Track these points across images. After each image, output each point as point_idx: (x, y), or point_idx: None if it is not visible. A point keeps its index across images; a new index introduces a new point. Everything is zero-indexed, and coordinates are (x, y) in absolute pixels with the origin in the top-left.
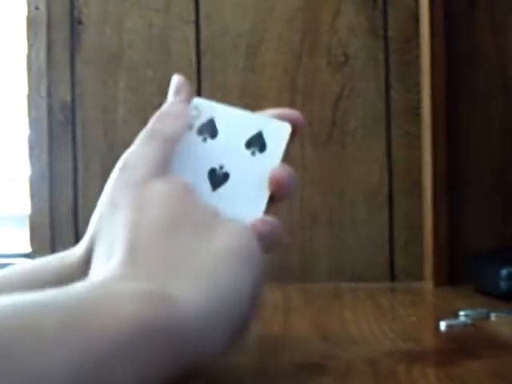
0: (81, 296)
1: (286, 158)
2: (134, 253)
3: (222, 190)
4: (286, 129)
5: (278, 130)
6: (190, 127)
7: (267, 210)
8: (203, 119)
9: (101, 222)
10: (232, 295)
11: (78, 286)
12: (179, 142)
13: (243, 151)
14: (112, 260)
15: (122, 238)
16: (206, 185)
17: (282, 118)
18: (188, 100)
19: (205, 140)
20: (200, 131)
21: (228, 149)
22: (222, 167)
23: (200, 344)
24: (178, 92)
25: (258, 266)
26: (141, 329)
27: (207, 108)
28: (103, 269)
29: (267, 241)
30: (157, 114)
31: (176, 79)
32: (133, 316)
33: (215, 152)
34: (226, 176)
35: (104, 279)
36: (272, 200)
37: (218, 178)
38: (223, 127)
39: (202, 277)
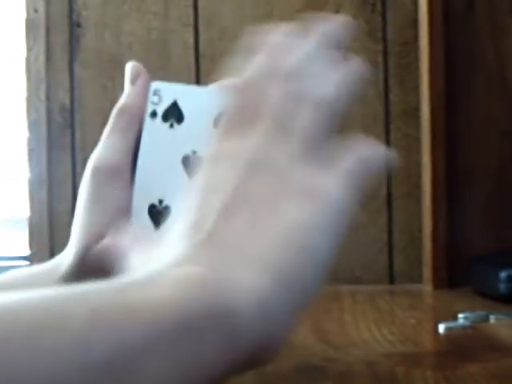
0: (114, 286)
1: None
2: (205, 237)
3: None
4: None
5: None
6: (154, 114)
7: None
8: (166, 104)
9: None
10: (301, 279)
11: (122, 277)
12: (144, 131)
13: (213, 131)
14: (179, 244)
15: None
16: (182, 173)
17: None
18: (146, 87)
19: (172, 126)
20: (165, 117)
21: (198, 132)
22: (195, 152)
23: (261, 333)
24: (133, 80)
25: (338, 228)
26: (180, 317)
27: (168, 91)
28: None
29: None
30: (114, 111)
31: (131, 66)
32: (172, 302)
33: (185, 138)
34: (201, 160)
35: (159, 265)
36: None
37: (193, 165)
38: (188, 109)
39: (262, 260)
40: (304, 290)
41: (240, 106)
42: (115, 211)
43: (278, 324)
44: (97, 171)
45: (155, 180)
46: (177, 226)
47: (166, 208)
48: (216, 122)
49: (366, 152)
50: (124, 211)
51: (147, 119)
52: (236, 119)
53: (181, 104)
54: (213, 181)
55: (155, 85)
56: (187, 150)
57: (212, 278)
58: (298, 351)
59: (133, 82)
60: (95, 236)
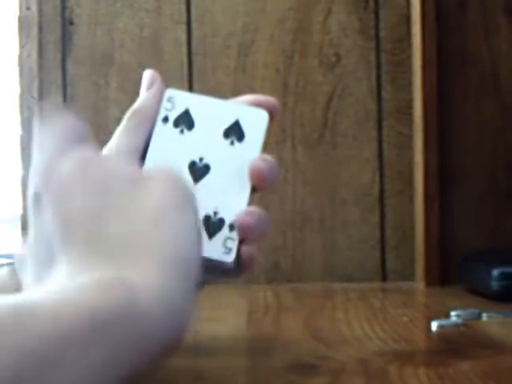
0: (37, 294)
1: (266, 146)
2: (73, 247)
3: (203, 182)
4: (263, 116)
5: (255, 118)
6: (166, 120)
7: (251, 201)
8: (178, 111)
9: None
10: (182, 258)
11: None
12: (154, 134)
13: (222, 141)
14: (59, 263)
15: (58, 236)
16: (187, 178)
17: (257, 104)
18: (161, 93)
19: (182, 132)
20: (176, 123)
21: (206, 140)
22: (201, 159)
23: (163, 325)
24: (149, 86)
25: (195, 208)
26: (98, 315)
27: (181, 99)
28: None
29: (255, 232)
30: (128, 112)
31: (148, 73)
32: (90, 303)
33: (194, 144)
34: (206, 168)
35: (58, 280)
36: (254, 190)
37: (198, 171)
38: (199, 118)
39: (146, 251)
40: (190, 274)
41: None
42: None
43: (180, 311)
44: None
45: None
46: (44, 251)
47: None
48: (226, 133)
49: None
50: None
51: (159, 123)
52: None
53: (192, 112)
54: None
55: (170, 92)
56: (194, 156)
57: (117, 279)
58: (289, 348)
59: (148, 87)
60: None
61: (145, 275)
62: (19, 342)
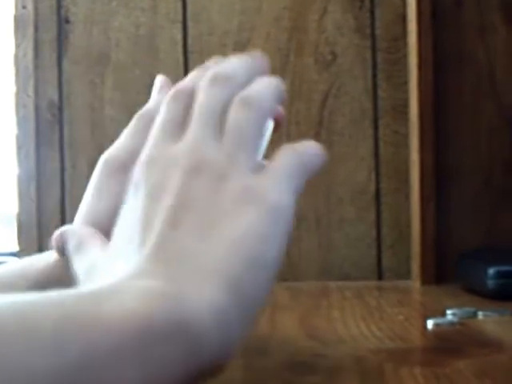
0: (82, 294)
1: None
2: (157, 248)
3: None
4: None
5: None
6: None
7: None
8: None
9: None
10: (249, 290)
11: (88, 286)
12: None
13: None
14: (133, 257)
15: (147, 231)
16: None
17: None
18: None
19: None
20: None
21: None
22: None
23: (220, 343)
24: (159, 91)
25: (284, 224)
26: (144, 327)
27: None
28: (124, 263)
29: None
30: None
31: (159, 79)
32: (137, 313)
33: None
34: None
35: (116, 278)
36: None
37: None
38: None
39: (218, 273)
40: (255, 300)
41: (172, 111)
42: (114, 207)
43: (233, 334)
44: (104, 164)
45: None
46: (124, 233)
47: None
48: None
49: (302, 153)
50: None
51: None
52: (169, 124)
53: None
54: (153, 187)
55: None
56: None
57: (171, 291)
58: (286, 347)
59: (159, 92)
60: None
61: (210, 296)
62: (56, 359)
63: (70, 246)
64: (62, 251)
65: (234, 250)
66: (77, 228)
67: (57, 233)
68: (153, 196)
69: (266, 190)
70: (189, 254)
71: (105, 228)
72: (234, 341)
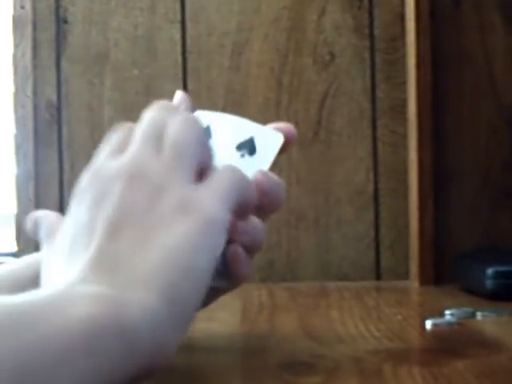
0: (35, 298)
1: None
2: (100, 255)
3: None
4: (278, 138)
5: (270, 139)
6: None
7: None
8: None
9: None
10: (181, 295)
11: (38, 291)
12: None
13: (233, 153)
14: (77, 262)
15: (89, 237)
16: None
17: (276, 129)
18: (187, 111)
19: None
20: None
21: (219, 150)
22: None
23: (154, 342)
24: (179, 104)
25: (218, 237)
26: (90, 328)
27: (206, 117)
28: (66, 270)
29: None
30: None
31: (178, 94)
32: (82, 316)
33: None
34: None
35: (64, 283)
36: (262, 209)
37: None
38: (218, 131)
39: (152, 279)
40: (187, 304)
41: (118, 134)
42: None
43: (168, 336)
44: None
45: None
46: (66, 237)
47: None
48: (238, 147)
49: (242, 175)
50: None
51: None
52: (114, 142)
53: (212, 128)
54: (96, 196)
55: (197, 112)
56: None
57: (112, 296)
58: (284, 347)
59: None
60: None
61: (146, 302)
62: (16, 350)
63: (41, 232)
64: (35, 234)
65: (168, 258)
66: (50, 214)
67: (32, 215)
68: (96, 203)
69: (203, 202)
70: (127, 261)
71: None
72: (168, 342)
